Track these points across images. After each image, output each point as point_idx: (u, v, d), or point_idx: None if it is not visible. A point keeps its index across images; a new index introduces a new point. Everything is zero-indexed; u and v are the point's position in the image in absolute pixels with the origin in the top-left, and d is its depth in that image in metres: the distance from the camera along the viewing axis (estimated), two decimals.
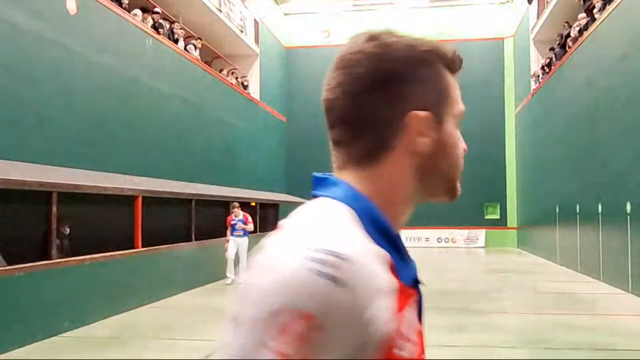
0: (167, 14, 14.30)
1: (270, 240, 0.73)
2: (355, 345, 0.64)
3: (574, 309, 8.98)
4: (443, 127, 0.90)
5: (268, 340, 0.60)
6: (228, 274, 11.99)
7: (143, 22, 12.39)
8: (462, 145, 0.98)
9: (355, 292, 0.63)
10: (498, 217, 23.87)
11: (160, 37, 12.96)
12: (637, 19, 10.35)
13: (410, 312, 0.73)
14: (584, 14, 14.14)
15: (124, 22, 11.42)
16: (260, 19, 21.33)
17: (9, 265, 6.68)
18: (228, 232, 12.19)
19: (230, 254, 11.91)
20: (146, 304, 9.28)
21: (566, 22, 16.06)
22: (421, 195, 0.87)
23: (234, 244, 12.00)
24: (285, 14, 25.43)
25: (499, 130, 23.92)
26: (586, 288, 11.33)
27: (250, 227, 12.23)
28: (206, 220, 12.98)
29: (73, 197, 8.07)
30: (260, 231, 16.87)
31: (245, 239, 12.09)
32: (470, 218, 23.65)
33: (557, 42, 16.45)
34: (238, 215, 12.14)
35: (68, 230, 8.39)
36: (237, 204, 12.31)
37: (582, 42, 13.72)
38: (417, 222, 23.89)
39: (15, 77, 8.28)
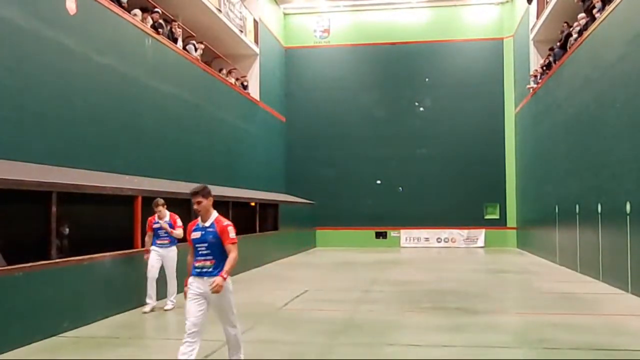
0: (167, 13, 14.30)
1: None
2: None
3: (574, 309, 8.98)
4: None
5: None
6: (147, 300, 8.89)
7: (143, 22, 12.39)
8: None
9: None
10: (498, 217, 23.88)
11: (159, 37, 12.96)
12: (637, 19, 10.35)
13: None
14: (583, 14, 14.15)
15: (124, 22, 11.42)
16: (260, 18, 21.34)
17: (8, 265, 6.68)
18: (147, 239, 9.15)
19: (152, 271, 8.94)
20: (146, 304, 9.26)
21: (565, 22, 16.07)
22: None
23: (157, 257, 9.00)
24: (285, 14, 25.44)
25: (499, 130, 23.92)
26: (586, 288, 11.33)
27: (178, 232, 9.03)
28: None
29: (73, 197, 8.07)
30: (260, 231, 16.88)
31: (172, 250, 9.10)
32: (470, 218, 23.68)
33: (558, 42, 16.45)
34: (163, 217, 9.01)
35: (67, 230, 8.39)
36: (161, 201, 9.02)
37: (582, 42, 13.72)
38: (417, 222, 23.96)
39: (15, 77, 8.28)
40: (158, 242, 9.05)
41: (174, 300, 9.01)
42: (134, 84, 11.83)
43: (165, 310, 8.89)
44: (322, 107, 24.97)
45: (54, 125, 9.10)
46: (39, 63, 8.82)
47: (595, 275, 12.30)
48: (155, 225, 9.05)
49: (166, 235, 9.00)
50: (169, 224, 8.99)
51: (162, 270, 9.09)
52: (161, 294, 9.12)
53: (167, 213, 9.08)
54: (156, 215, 9.03)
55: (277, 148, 23.76)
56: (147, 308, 8.81)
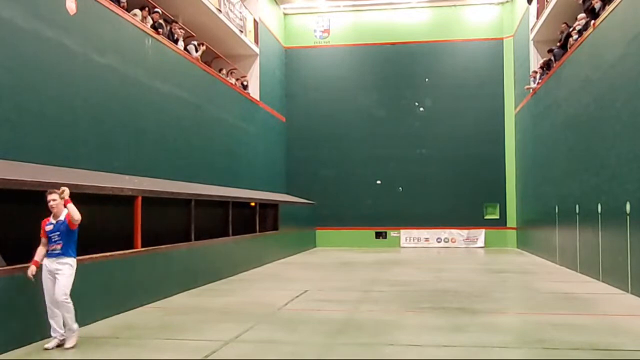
0: (167, 14, 14.31)
1: None
2: None
3: (574, 309, 8.99)
4: None
5: None
6: (52, 333, 6.49)
7: (143, 22, 12.39)
8: None
9: None
10: (497, 217, 23.89)
11: (160, 37, 12.96)
12: (637, 19, 10.35)
13: None
14: (583, 14, 14.15)
15: (124, 22, 11.43)
16: (260, 19, 21.34)
17: (8, 265, 6.68)
18: (41, 247, 6.59)
19: (49, 295, 6.48)
20: (146, 304, 9.28)
21: (565, 23, 16.08)
22: None
23: (47, 275, 6.49)
24: (285, 14, 25.44)
25: (499, 130, 23.93)
26: (586, 288, 11.33)
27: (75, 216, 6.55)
28: (206, 220, 12.97)
29: (73, 197, 8.06)
30: (260, 231, 16.88)
31: (66, 264, 6.53)
32: (470, 218, 23.68)
33: (558, 42, 16.45)
34: (58, 215, 6.63)
35: None
36: (56, 194, 6.63)
37: (582, 42, 13.72)
38: (417, 222, 23.97)
39: (15, 77, 8.28)
40: (50, 248, 6.56)
41: (59, 337, 6.48)
42: (134, 84, 11.83)
43: (46, 348, 6.39)
44: (322, 107, 24.98)
45: (54, 125, 9.10)
46: (39, 63, 8.82)
47: (595, 275, 12.30)
48: (48, 228, 6.58)
49: (59, 239, 6.55)
50: (64, 224, 6.59)
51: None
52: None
53: (65, 210, 6.64)
54: (52, 215, 6.64)
55: (277, 148, 23.77)
56: (50, 344, 6.44)
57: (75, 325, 6.56)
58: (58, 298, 6.40)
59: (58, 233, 6.56)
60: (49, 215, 6.67)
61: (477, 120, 24.00)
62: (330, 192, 24.49)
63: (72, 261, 6.62)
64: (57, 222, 6.60)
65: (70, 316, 6.50)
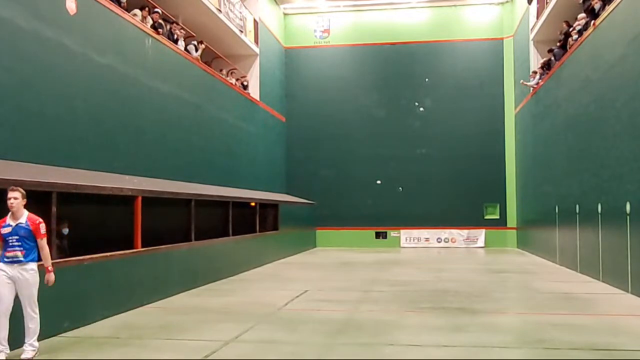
0: (167, 14, 14.31)
1: None
2: None
3: (574, 309, 8.99)
4: None
5: None
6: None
7: (143, 21, 12.39)
8: None
9: None
10: (498, 217, 23.89)
11: (160, 37, 12.97)
12: (637, 19, 10.35)
13: None
14: (583, 14, 14.15)
15: (124, 22, 11.43)
16: (260, 19, 21.34)
17: None
18: None
19: (1, 302, 5.77)
20: (146, 304, 9.28)
21: (565, 22, 16.08)
22: None
23: (7, 280, 5.79)
24: (285, 14, 25.44)
25: (499, 130, 23.93)
26: (586, 288, 11.33)
27: (44, 250, 5.98)
28: (206, 220, 12.97)
29: (73, 197, 8.06)
30: (260, 231, 16.88)
31: (31, 270, 5.87)
32: (470, 218, 23.68)
33: (558, 42, 16.46)
34: (18, 216, 5.92)
35: (67, 230, 8.40)
36: (19, 192, 5.92)
37: (582, 42, 13.72)
38: (417, 222, 23.97)
39: (15, 77, 8.28)
40: (8, 254, 5.84)
41: (36, 344, 5.99)
42: (134, 84, 11.83)
43: (22, 359, 5.89)
44: (322, 107, 24.98)
45: (54, 125, 9.10)
46: (39, 63, 8.82)
47: (595, 275, 12.30)
48: (5, 230, 5.86)
49: (19, 244, 5.83)
50: (25, 229, 5.88)
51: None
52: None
53: (25, 212, 5.98)
54: (8, 215, 5.94)
55: (277, 148, 23.77)
56: None
57: (37, 344, 6.00)
58: (29, 311, 5.85)
59: (17, 237, 5.82)
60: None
61: (477, 120, 24.00)
62: (330, 192, 24.50)
63: (36, 266, 5.92)
64: (16, 224, 5.86)
65: (35, 328, 5.94)
